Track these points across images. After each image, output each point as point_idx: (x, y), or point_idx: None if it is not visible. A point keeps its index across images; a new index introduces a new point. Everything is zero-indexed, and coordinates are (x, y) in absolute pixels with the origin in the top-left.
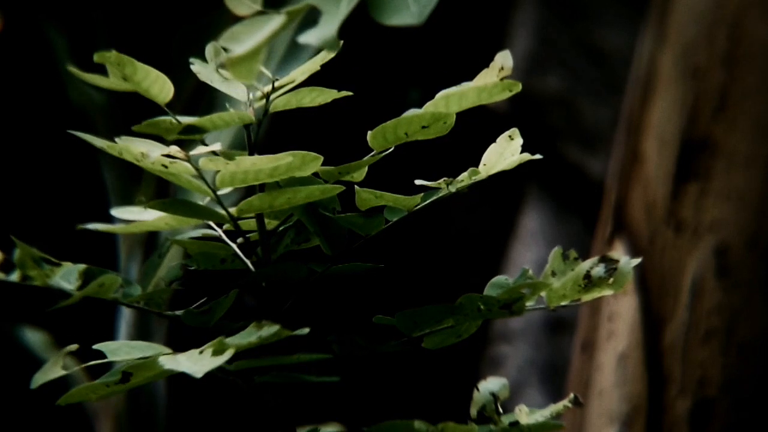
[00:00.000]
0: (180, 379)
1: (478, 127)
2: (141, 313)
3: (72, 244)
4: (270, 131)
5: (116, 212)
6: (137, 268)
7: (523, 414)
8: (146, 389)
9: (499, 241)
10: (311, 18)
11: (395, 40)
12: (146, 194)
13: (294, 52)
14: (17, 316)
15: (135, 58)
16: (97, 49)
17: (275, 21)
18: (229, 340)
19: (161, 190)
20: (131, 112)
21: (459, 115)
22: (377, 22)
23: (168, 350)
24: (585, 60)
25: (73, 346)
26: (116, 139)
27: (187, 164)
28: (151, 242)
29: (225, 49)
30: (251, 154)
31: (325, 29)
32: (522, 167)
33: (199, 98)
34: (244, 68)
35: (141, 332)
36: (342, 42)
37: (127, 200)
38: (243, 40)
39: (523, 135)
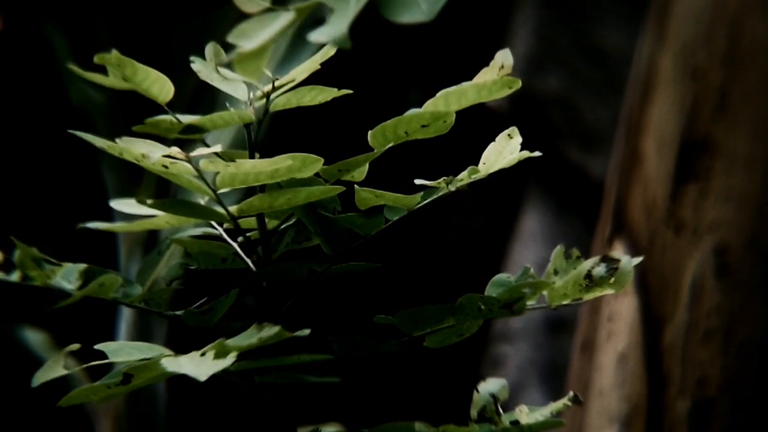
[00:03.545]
0: (180, 379)
1: (479, 127)
2: (141, 313)
3: (72, 244)
4: (273, 130)
5: (115, 204)
6: (137, 267)
7: (523, 414)
8: (146, 389)
9: (500, 241)
10: (315, 16)
11: (397, 41)
12: (147, 194)
13: (295, 52)
14: (17, 316)
15: (135, 57)
16: (97, 49)
17: (284, 17)
18: (229, 342)
19: (161, 190)
20: (131, 112)
21: (460, 115)
22: (387, 19)
23: (169, 351)
24: (585, 60)
25: (75, 346)
26: (117, 140)
27: (188, 165)
28: (150, 242)
29: (233, 46)
30: (251, 153)
31: (336, 27)
32: (522, 167)
33: (200, 97)
34: (252, 65)
35: (141, 332)
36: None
37: None
38: (252, 37)
39: (523, 135)
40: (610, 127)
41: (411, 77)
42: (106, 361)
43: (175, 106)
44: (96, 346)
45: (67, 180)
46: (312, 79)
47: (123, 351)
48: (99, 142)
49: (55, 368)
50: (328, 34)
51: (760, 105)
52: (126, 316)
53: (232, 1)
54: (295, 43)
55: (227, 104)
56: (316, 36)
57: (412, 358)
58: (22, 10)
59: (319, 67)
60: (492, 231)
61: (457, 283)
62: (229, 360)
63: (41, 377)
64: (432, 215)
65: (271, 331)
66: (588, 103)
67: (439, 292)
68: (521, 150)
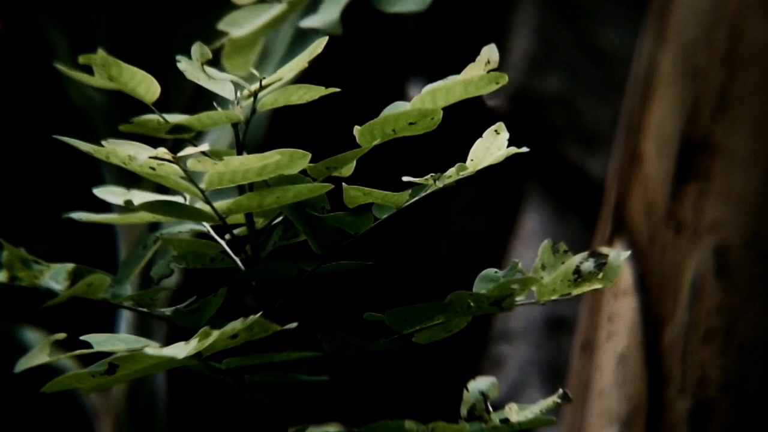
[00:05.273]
0: (180, 379)
1: (479, 128)
2: (140, 312)
3: (72, 243)
4: (271, 129)
5: (99, 192)
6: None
7: (513, 412)
8: (146, 389)
9: (499, 241)
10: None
11: (395, 40)
12: (146, 190)
13: (295, 52)
14: (17, 316)
15: (135, 57)
16: (97, 49)
17: (276, 8)
18: (214, 330)
19: (161, 189)
20: (132, 113)
21: (460, 115)
22: (379, 10)
23: (156, 344)
24: (585, 60)
25: (61, 335)
26: (103, 143)
27: (175, 166)
28: None
29: (223, 33)
30: (239, 152)
31: (328, 13)
32: (522, 167)
33: (199, 97)
34: (240, 60)
35: (141, 332)
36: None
37: None
38: (243, 25)
39: (523, 135)
40: (610, 127)
41: (411, 77)
42: (93, 350)
43: (173, 106)
44: (83, 337)
45: (67, 179)
46: (310, 78)
47: (108, 342)
48: (84, 146)
49: (39, 356)
50: (320, 21)
51: (760, 105)
52: (126, 316)
53: (232, 2)
54: (296, 43)
55: (214, 104)
56: (307, 22)
57: (413, 358)
58: (22, 10)
59: (307, 65)
60: (492, 231)
61: (456, 283)
62: (209, 341)
63: (24, 364)
64: (432, 215)
65: (254, 317)
66: (588, 103)
67: (438, 292)
68: (516, 148)
